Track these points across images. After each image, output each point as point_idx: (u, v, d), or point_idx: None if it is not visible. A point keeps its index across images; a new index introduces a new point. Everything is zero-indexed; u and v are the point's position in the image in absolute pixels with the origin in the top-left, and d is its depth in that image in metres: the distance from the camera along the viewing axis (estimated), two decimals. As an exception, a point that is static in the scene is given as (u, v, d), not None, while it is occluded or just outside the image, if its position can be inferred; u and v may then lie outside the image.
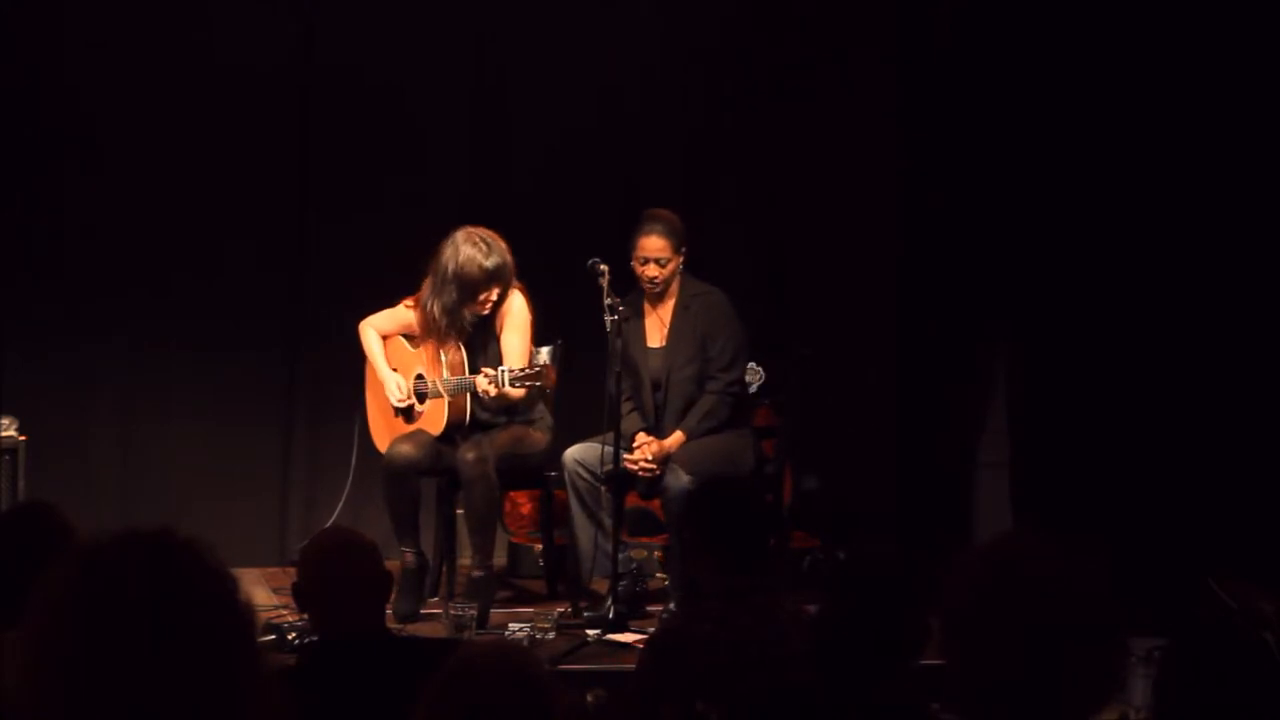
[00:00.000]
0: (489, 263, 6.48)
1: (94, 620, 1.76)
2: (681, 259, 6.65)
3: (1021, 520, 7.14)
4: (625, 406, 6.60)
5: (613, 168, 7.88)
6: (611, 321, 6.44)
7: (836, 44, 7.92)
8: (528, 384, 6.25)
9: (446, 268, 6.51)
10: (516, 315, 6.63)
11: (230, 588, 1.83)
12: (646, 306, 6.74)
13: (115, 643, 1.75)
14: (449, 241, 6.53)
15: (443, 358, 6.63)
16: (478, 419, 6.64)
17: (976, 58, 7.47)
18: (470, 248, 6.49)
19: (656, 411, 6.69)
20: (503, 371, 6.27)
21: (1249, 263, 6.91)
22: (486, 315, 6.63)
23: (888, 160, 7.85)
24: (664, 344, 6.69)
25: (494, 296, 6.55)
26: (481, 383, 6.32)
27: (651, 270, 6.60)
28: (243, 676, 1.80)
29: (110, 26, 7.56)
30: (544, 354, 6.59)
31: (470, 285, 6.50)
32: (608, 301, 6.46)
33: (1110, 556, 2.33)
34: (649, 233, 6.60)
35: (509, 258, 6.55)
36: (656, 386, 6.69)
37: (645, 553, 7.11)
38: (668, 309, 6.68)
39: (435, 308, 6.57)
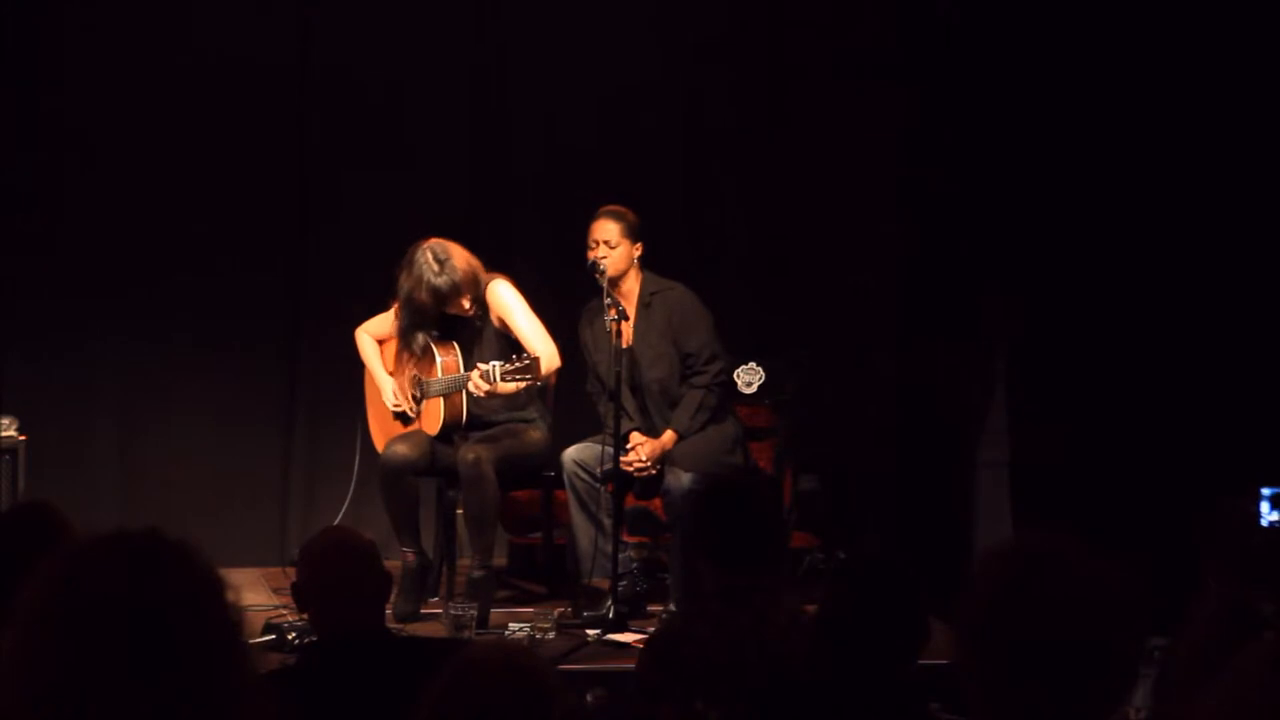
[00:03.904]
0: (439, 281, 6.45)
1: (78, 621, 1.75)
2: (636, 251, 6.65)
3: (1021, 520, 7.13)
4: (608, 407, 6.59)
5: (613, 168, 7.87)
6: (611, 321, 6.45)
7: (836, 43, 7.91)
8: (520, 377, 6.25)
9: (403, 289, 6.53)
10: (511, 303, 6.61)
11: (218, 588, 1.82)
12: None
13: (99, 643, 1.74)
14: (407, 259, 6.52)
15: (438, 358, 6.63)
16: (474, 418, 6.63)
17: (977, 57, 7.46)
18: (421, 267, 6.47)
19: (641, 412, 6.69)
20: (494, 366, 6.28)
21: (1249, 262, 6.91)
22: (480, 316, 6.62)
23: (888, 160, 7.85)
24: (629, 344, 6.69)
25: (465, 304, 6.54)
26: (474, 379, 6.32)
27: (600, 251, 6.60)
28: (230, 677, 1.79)
29: (110, 26, 7.57)
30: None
31: (419, 309, 6.52)
32: (607, 301, 6.48)
33: (1146, 567, 2.29)
34: (597, 218, 6.65)
35: (464, 268, 6.49)
36: (633, 388, 6.69)
37: (644, 551, 7.11)
38: (630, 307, 6.68)
39: (395, 330, 6.66)
